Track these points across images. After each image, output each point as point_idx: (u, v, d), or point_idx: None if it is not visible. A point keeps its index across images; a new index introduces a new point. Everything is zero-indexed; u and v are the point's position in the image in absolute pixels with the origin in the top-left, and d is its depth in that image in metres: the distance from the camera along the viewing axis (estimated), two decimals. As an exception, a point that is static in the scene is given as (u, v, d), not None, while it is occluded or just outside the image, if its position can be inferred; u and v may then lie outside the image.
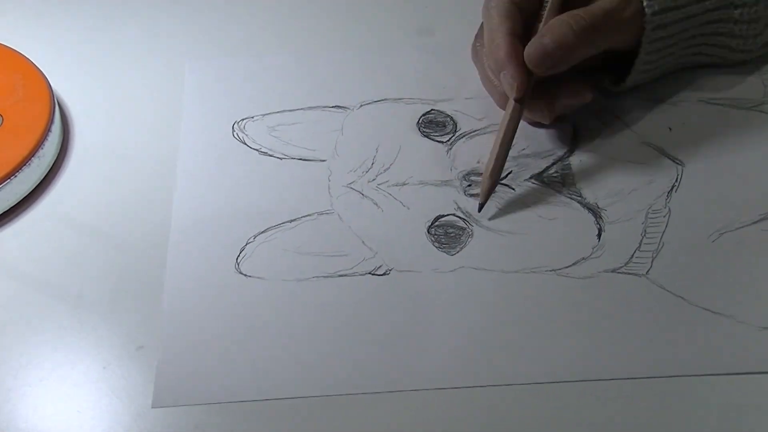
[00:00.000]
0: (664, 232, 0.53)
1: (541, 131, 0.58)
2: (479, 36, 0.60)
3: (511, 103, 0.55)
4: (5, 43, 0.63)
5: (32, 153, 0.57)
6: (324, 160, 0.58)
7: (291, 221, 0.55)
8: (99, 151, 0.60)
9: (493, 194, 0.55)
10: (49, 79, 0.61)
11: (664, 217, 0.54)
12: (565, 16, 0.54)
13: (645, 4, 0.54)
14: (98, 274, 0.53)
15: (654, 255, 0.52)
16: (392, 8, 0.68)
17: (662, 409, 0.46)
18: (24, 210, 0.57)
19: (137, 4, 0.70)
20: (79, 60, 0.66)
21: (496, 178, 0.55)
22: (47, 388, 0.49)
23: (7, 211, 0.56)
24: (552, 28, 0.54)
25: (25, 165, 0.56)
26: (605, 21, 0.54)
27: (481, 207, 0.54)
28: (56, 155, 0.59)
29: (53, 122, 0.59)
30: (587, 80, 0.57)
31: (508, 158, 0.56)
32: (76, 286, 0.53)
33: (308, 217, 0.55)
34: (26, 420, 0.47)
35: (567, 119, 0.59)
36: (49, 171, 0.58)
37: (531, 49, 0.54)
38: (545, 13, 0.56)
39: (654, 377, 0.47)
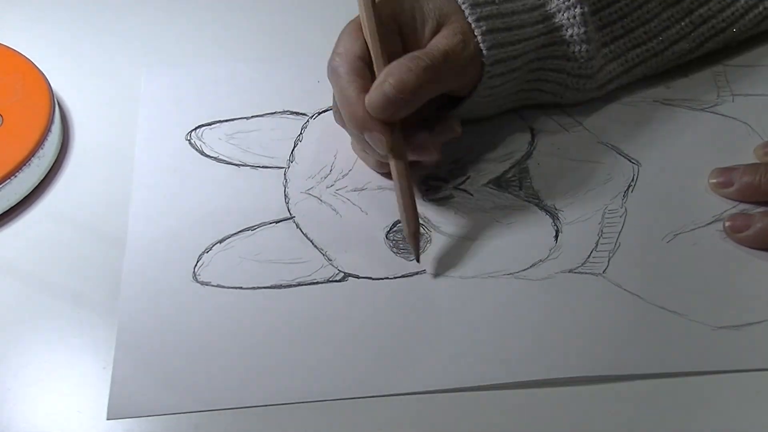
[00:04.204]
0: (620, 232, 0.53)
1: (499, 134, 0.59)
2: (336, 105, 0.55)
3: (393, 161, 0.52)
4: (5, 43, 0.63)
5: (32, 153, 0.56)
6: (282, 167, 0.58)
7: (249, 229, 0.55)
8: (99, 151, 0.60)
9: (451, 199, 0.55)
10: (49, 79, 0.61)
11: (621, 217, 0.54)
12: (404, 59, 0.51)
13: (480, 41, 0.53)
14: (98, 274, 0.53)
15: (610, 255, 0.52)
16: (349, 15, 0.68)
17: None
18: (24, 210, 0.56)
19: (138, 5, 0.69)
20: (79, 60, 0.65)
21: (414, 229, 0.52)
22: (47, 388, 0.48)
23: (7, 211, 0.56)
24: (391, 73, 0.51)
25: (25, 165, 0.56)
26: (444, 60, 0.52)
27: (418, 259, 0.53)
28: (56, 155, 0.59)
29: (53, 122, 0.58)
30: (449, 114, 0.55)
31: (466, 163, 0.57)
32: (76, 286, 0.52)
33: (266, 225, 0.55)
34: (26, 420, 0.47)
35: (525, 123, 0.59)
36: (49, 171, 0.58)
37: (372, 96, 0.50)
38: (374, 61, 0.53)
39: (611, 376, 0.48)
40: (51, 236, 0.55)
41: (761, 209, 0.53)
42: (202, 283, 0.52)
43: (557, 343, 0.49)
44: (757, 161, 0.56)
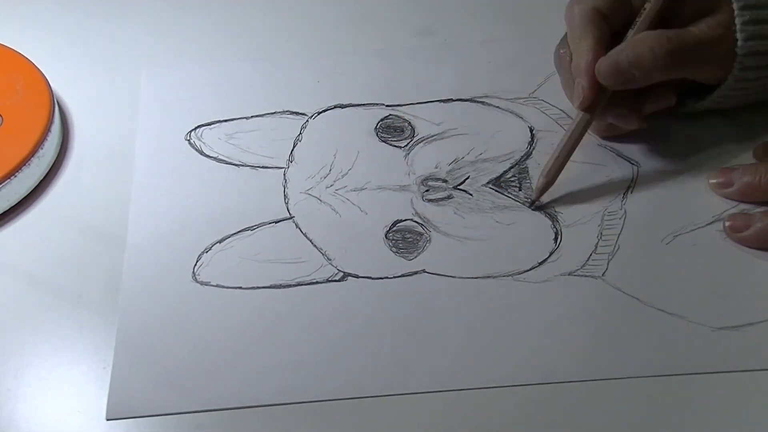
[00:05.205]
0: (620, 234, 0.53)
1: (499, 134, 0.59)
2: (563, 42, 0.56)
3: (581, 113, 0.54)
4: (5, 43, 0.63)
5: (32, 153, 0.56)
6: (282, 167, 0.58)
7: (249, 229, 0.55)
8: (99, 151, 0.60)
9: (451, 200, 0.55)
10: (49, 79, 0.61)
11: (620, 219, 0.54)
12: (653, 34, 0.51)
13: (738, 30, 0.51)
14: (98, 274, 0.53)
15: (610, 257, 0.52)
16: (349, 15, 0.68)
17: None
18: (24, 210, 0.57)
19: (138, 5, 0.69)
20: (79, 60, 0.65)
21: (550, 179, 0.54)
22: (47, 388, 0.48)
23: (7, 211, 0.56)
24: (633, 45, 0.51)
25: (25, 165, 0.56)
26: (694, 50, 0.51)
27: (532, 203, 0.54)
28: (56, 155, 0.59)
29: (53, 122, 0.58)
30: (670, 83, 0.54)
31: (465, 163, 0.57)
32: (76, 286, 0.52)
33: (266, 225, 0.55)
34: (26, 420, 0.47)
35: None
36: (49, 171, 0.58)
37: (604, 63, 0.51)
38: (637, 23, 0.53)
39: (610, 379, 0.48)
40: (51, 236, 0.55)
41: (761, 209, 0.53)
42: (202, 283, 0.52)
43: (557, 347, 0.49)
44: (757, 161, 0.56)
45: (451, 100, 0.61)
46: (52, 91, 0.60)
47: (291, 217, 0.55)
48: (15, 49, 0.63)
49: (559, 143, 0.54)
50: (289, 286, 0.52)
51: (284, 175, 0.57)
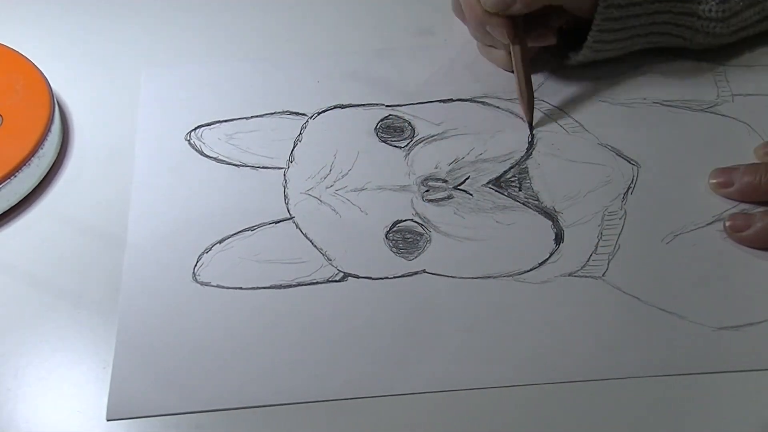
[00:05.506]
0: (620, 234, 0.53)
1: (499, 134, 0.59)
2: None
3: (513, 46, 0.58)
4: (5, 43, 0.63)
5: (32, 153, 0.57)
6: (282, 167, 0.58)
7: (249, 229, 0.55)
8: (99, 151, 0.60)
9: (451, 200, 0.55)
10: (49, 79, 0.61)
11: (620, 219, 0.54)
12: None
13: None
14: (98, 274, 0.53)
15: (610, 257, 0.52)
16: (349, 15, 0.68)
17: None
18: (24, 210, 0.57)
19: (138, 5, 0.69)
20: (79, 60, 0.66)
21: (531, 103, 0.59)
22: (47, 388, 0.49)
23: (7, 211, 0.56)
24: None
25: (25, 165, 0.56)
26: None
27: (531, 128, 0.59)
28: (56, 155, 0.59)
29: (53, 122, 0.59)
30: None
31: (466, 163, 0.57)
32: (76, 286, 0.53)
33: (266, 225, 0.55)
34: (26, 420, 0.47)
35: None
36: (49, 171, 0.58)
37: None
38: None
39: (610, 379, 0.48)
40: (51, 236, 0.55)
41: (761, 209, 0.53)
42: (202, 284, 0.52)
43: (557, 347, 0.49)
44: (757, 161, 0.56)
45: (451, 100, 0.61)
46: (52, 91, 0.60)
47: (291, 218, 0.55)
48: (15, 49, 0.63)
49: (517, 80, 0.59)
50: (290, 286, 0.52)
51: (284, 175, 0.57)
